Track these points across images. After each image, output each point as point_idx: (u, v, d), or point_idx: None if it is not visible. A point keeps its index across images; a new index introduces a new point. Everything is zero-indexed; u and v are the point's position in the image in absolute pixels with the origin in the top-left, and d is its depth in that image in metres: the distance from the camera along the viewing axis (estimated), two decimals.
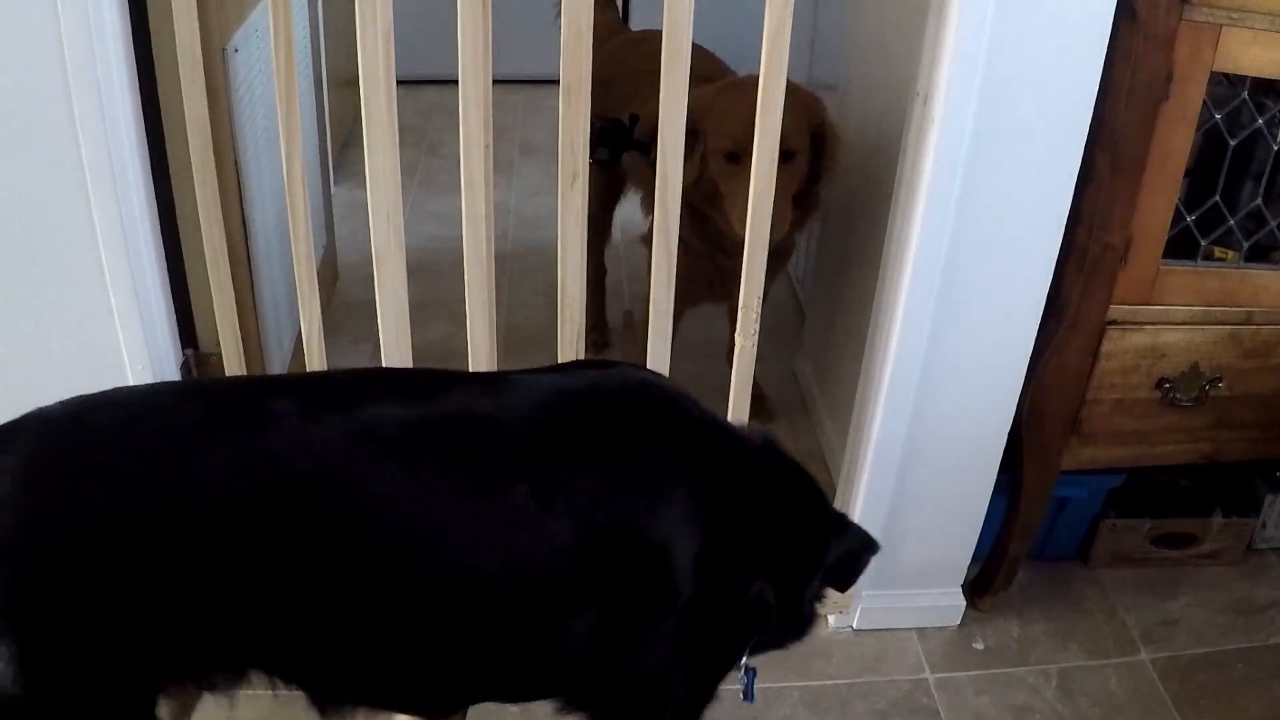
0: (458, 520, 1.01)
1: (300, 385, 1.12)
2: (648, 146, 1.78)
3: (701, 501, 1.08)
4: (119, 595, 0.96)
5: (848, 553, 1.22)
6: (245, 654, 1.05)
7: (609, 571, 1.05)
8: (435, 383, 1.12)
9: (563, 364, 1.38)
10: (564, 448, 1.06)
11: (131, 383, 1.43)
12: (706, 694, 1.21)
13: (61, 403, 1.02)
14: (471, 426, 1.05)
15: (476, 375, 1.21)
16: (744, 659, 1.23)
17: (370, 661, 1.06)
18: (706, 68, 1.96)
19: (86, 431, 1.00)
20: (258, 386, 1.15)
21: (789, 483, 1.19)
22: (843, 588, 1.25)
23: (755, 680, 1.31)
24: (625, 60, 2.09)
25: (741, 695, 1.32)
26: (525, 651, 1.08)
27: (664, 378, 1.26)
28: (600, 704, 1.16)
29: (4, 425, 1.00)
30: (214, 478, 0.98)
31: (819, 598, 1.24)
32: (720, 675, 1.21)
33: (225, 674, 1.08)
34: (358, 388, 1.09)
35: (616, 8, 2.46)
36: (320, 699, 1.11)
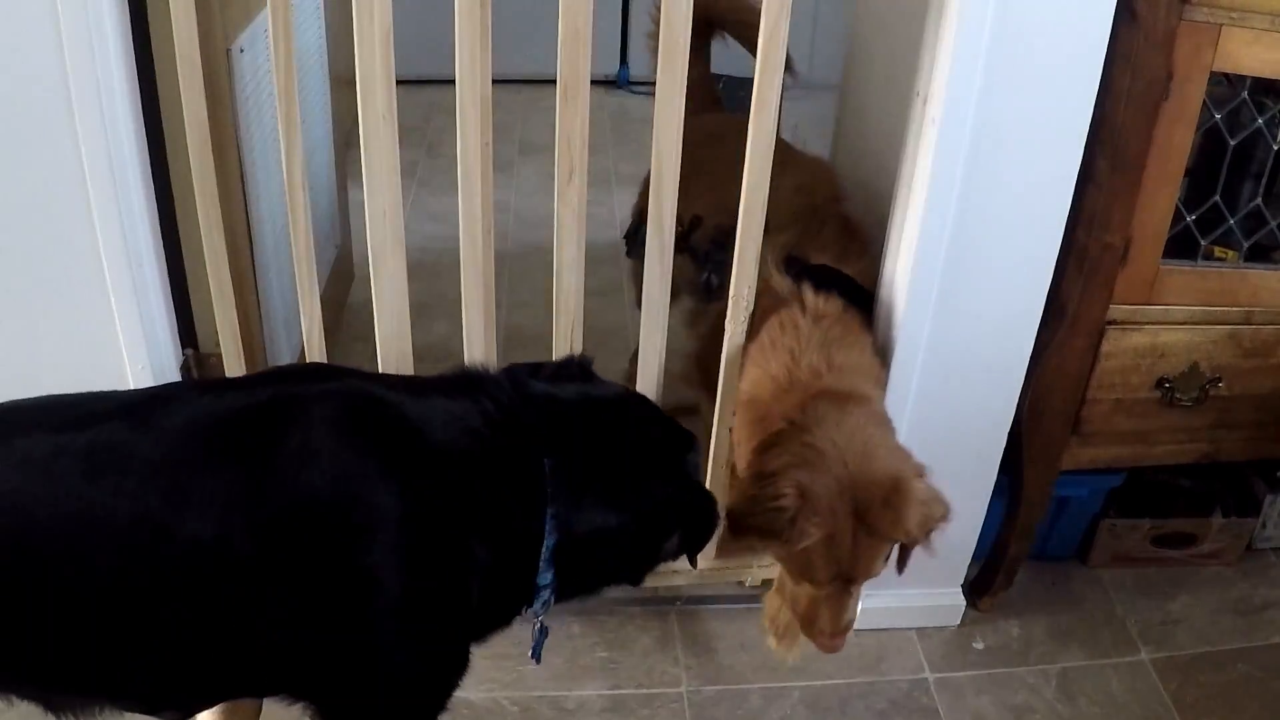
0: (107, 531, 1.04)
1: None
2: (704, 255, 1.69)
3: (385, 474, 1.08)
4: None
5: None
6: None
7: (278, 556, 1.06)
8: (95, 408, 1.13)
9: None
10: (195, 457, 1.07)
11: (132, 383, 1.43)
12: (435, 680, 1.18)
13: None
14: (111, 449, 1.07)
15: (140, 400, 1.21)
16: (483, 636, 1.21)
17: (73, 662, 1.06)
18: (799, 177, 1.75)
19: None
20: None
21: (496, 442, 1.16)
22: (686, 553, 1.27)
23: (545, 640, 1.28)
24: (711, 147, 1.73)
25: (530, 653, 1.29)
26: (222, 642, 1.08)
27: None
28: (328, 695, 1.15)
29: None
30: None
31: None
32: (446, 655, 1.17)
33: None
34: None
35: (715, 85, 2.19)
36: (49, 705, 1.12)
